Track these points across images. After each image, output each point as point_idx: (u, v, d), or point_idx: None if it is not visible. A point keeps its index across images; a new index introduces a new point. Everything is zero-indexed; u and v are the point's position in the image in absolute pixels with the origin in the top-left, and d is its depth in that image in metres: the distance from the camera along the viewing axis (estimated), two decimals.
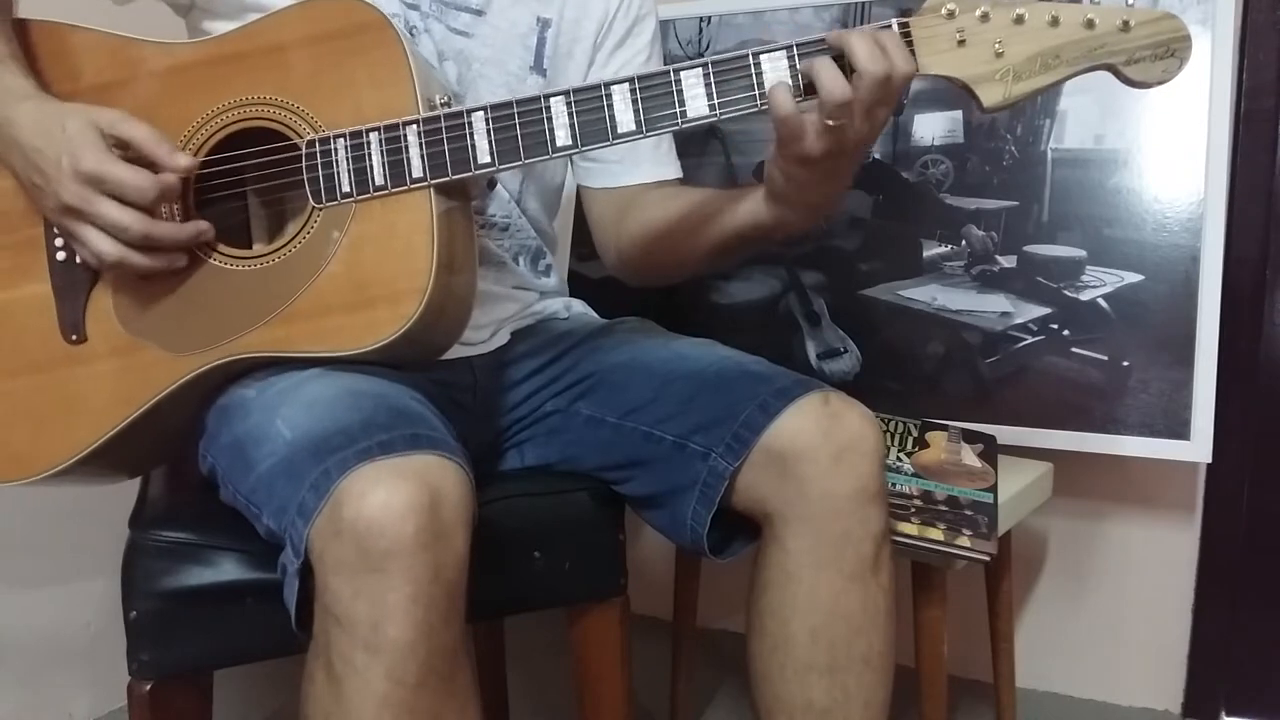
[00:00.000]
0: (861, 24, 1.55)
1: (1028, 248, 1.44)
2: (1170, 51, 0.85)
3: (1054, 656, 1.67)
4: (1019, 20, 0.86)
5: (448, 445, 0.83)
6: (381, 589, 0.75)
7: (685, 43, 1.62)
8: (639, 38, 1.19)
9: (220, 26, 1.03)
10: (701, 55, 1.61)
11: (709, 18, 1.61)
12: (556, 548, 1.06)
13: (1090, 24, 0.85)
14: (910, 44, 0.87)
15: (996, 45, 0.86)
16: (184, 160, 0.89)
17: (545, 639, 1.49)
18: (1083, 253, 1.41)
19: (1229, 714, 1.60)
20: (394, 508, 0.75)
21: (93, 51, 0.97)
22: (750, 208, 1.01)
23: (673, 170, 1.21)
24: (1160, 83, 0.86)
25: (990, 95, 0.87)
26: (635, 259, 1.17)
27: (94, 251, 0.89)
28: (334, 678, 0.77)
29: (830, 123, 0.86)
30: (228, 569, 0.95)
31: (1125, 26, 0.85)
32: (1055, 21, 0.86)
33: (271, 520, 0.84)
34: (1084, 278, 1.41)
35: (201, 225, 0.92)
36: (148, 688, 0.94)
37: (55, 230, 0.94)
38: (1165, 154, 1.37)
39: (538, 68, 1.13)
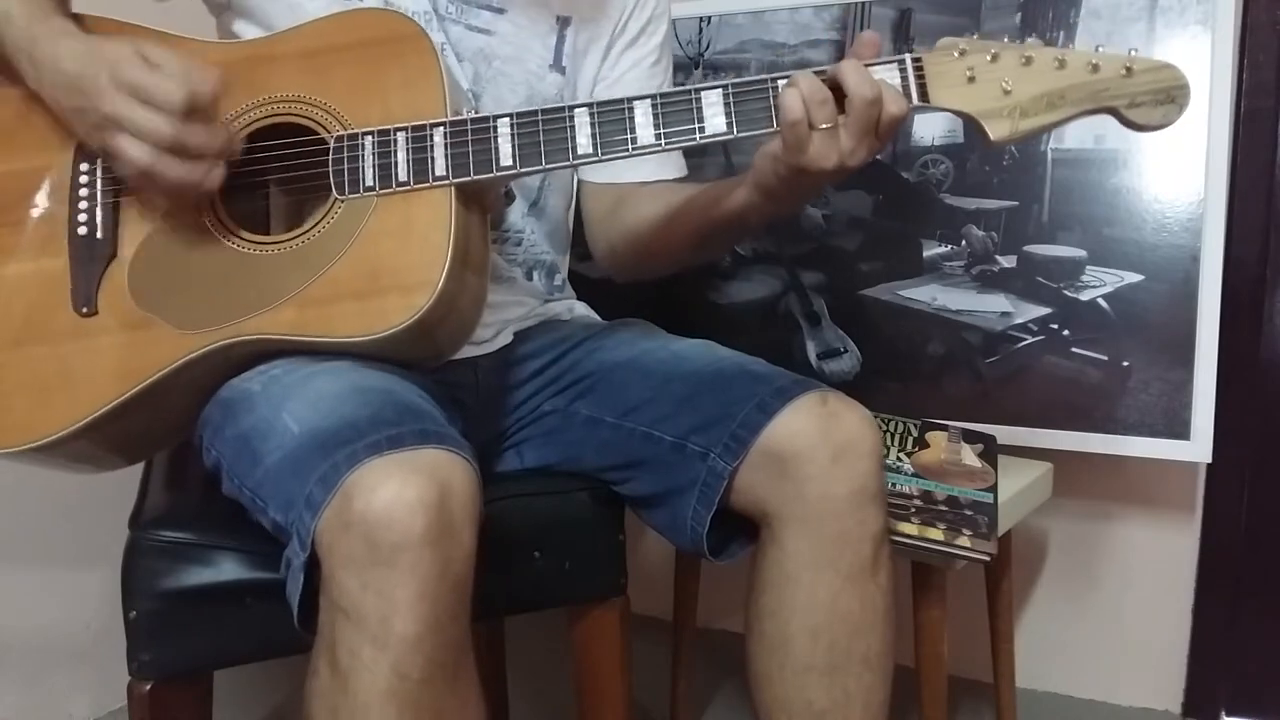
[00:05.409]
0: (861, 24, 1.58)
1: (1028, 248, 1.44)
2: (1170, 98, 0.89)
3: (1054, 656, 1.67)
4: (1027, 62, 0.90)
5: (456, 441, 0.83)
6: (390, 583, 0.75)
7: (685, 43, 1.62)
8: (651, 38, 1.21)
9: (249, 29, 1.05)
10: (702, 55, 1.62)
11: (709, 18, 1.61)
12: (556, 548, 1.06)
13: (1095, 68, 0.89)
14: (923, 78, 0.91)
15: (1005, 83, 0.90)
16: (212, 73, 0.89)
17: (545, 639, 1.49)
18: (1083, 253, 1.41)
19: (1229, 714, 1.60)
20: (404, 502, 0.75)
21: None
22: (737, 198, 1.02)
23: (674, 170, 1.22)
24: (1160, 127, 0.90)
25: (998, 129, 0.90)
26: (626, 251, 1.18)
27: (129, 159, 0.88)
28: (340, 672, 0.77)
29: (823, 126, 0.88)
30: (228, 569, 0.95)
31: (1128, 72, 0.89)
32: (1062, 64, 0.89)
33: (278, 514, 0.84)
34: (1084, 278, 1.41)
35: (233, 133, 0.92)
36: (148, 688, 0.94)
37: (79, 205, 0.96)
38: (1165, 154, 1.37)
39: (556, 65, 1.14)
